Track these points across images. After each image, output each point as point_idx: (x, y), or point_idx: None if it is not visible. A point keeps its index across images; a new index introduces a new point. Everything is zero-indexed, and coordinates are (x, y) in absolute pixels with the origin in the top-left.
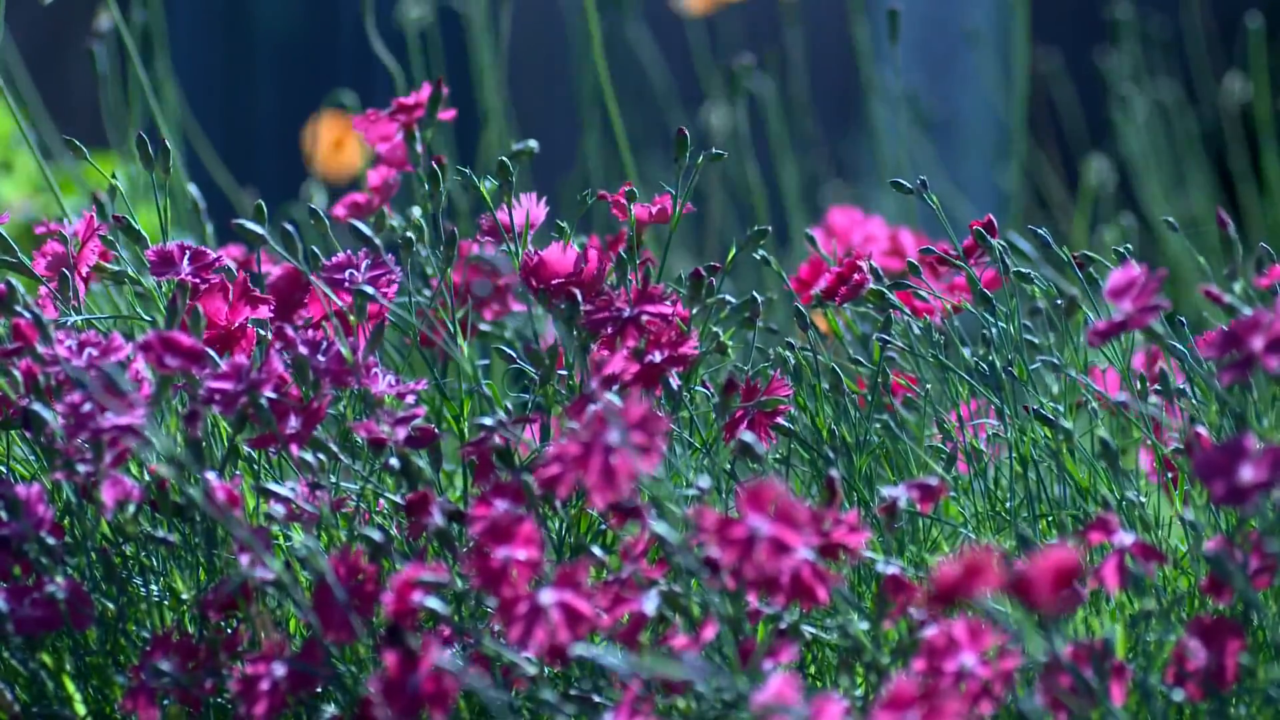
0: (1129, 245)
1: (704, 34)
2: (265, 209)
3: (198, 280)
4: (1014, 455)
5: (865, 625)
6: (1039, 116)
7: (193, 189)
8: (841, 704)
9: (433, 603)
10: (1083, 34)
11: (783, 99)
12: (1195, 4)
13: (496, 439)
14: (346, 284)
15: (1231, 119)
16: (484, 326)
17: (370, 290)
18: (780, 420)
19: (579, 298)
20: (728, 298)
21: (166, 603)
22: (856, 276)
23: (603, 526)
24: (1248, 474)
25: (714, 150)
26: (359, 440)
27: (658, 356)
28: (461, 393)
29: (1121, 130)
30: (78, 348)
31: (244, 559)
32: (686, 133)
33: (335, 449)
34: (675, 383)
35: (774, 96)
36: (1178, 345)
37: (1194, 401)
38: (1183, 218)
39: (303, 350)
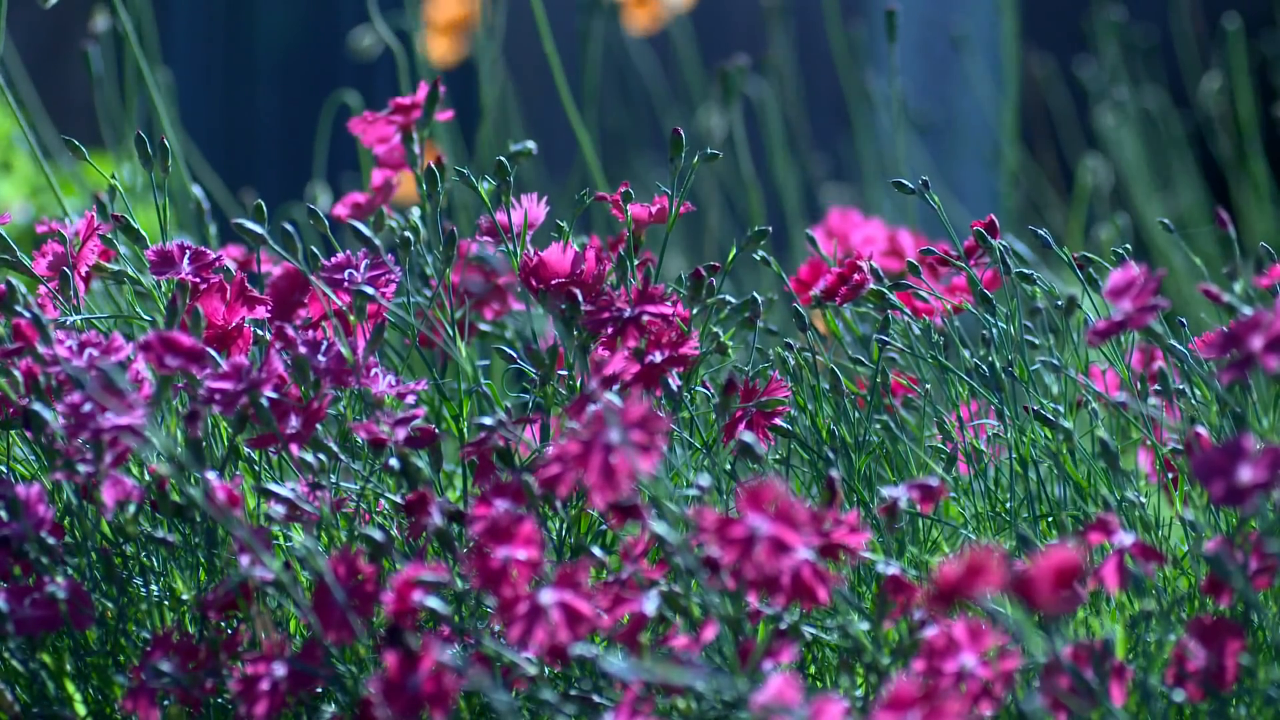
0: (1127, 245)
1: (703, 36)
2: (265, 209)
3: (197, 280)
4: (1014, 456)
5: (865, 626)
6: (1035, 120)
7: (197, 189)
8: (842, 704)
9: (433, 603)
10: (1079, 37)
11: (780, 101)
12: (1184, 6)
13: (496, 439)
14: (346, 284)
15: (1220, 120)
16: (484, 326)
17: (369, 290)
18: (780, 421)
19: (579, 298)
20: (728, 298)
21: (166, 603)
22: (856, 277)
23: (603, 526)
24: (1247, 474)
25: (709, 150)
26: (359, 440)
27: (658, 357)
28: (461, 393)
29: (1110, 134)
30: (78, 348)
31: (244, 559)
32: (681, 133)
33: (335, 449)
34: (675, 383)
35: (772, 98)
36: (1177, 345)
37: (1193, 402)
38: (1173, 219)
39: (303, 350)
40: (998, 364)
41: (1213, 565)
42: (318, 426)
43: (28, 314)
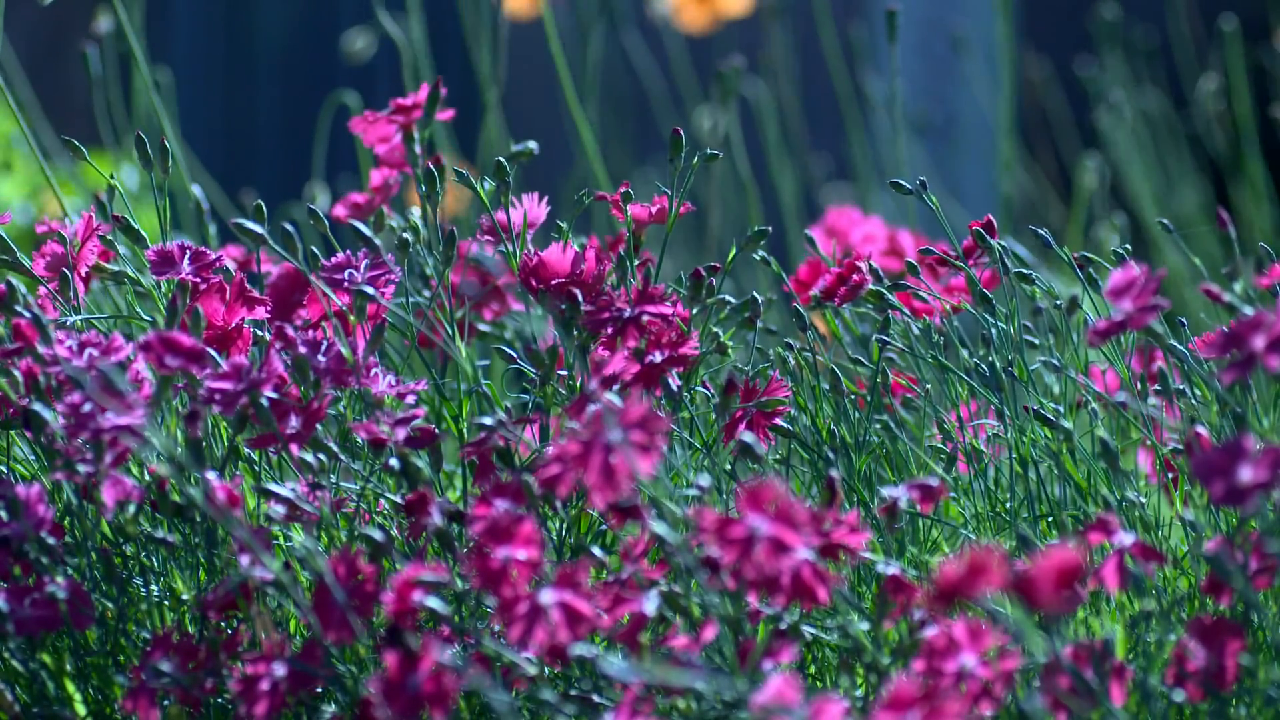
0: (1128, 245)
1: (704, 36)
2: (265, 209)
3: (197, 280)
4: (1014, 456)
5: (865, 626)
6: (1035, 120)
7: (196, 189)
8: (841, 704)
9: (433, 603)
10: (1078, 38)
11: (778, 101)
12: (1182, 7)
13: (497, 439)
14: (345, 284)
15: (1218, 120)
16: (484, 327)
17: (369, 290)
18: (780, 421)
19: (579, 298)
20: (728, 298)
21: (166, 603)
22: (855, 277)
23: (603, 527)
24: (1247, 474)
25: (709, 151)
26: (359, 440)
27: (658, 357)
28: (461, 393)
29: (1109, 135)
30: (78, 348)
31: (244, 559)
32: (681, 133)
33: (335, 449)
34: (675, 383)
35: (771, 99)
36: (1177, 345)
37: (1193, 402)
38: (1173, 219)
39: (303, 350)
40: (998, 364)
41: (1213, 565)
42: (318, 426)
43: (28, 314)
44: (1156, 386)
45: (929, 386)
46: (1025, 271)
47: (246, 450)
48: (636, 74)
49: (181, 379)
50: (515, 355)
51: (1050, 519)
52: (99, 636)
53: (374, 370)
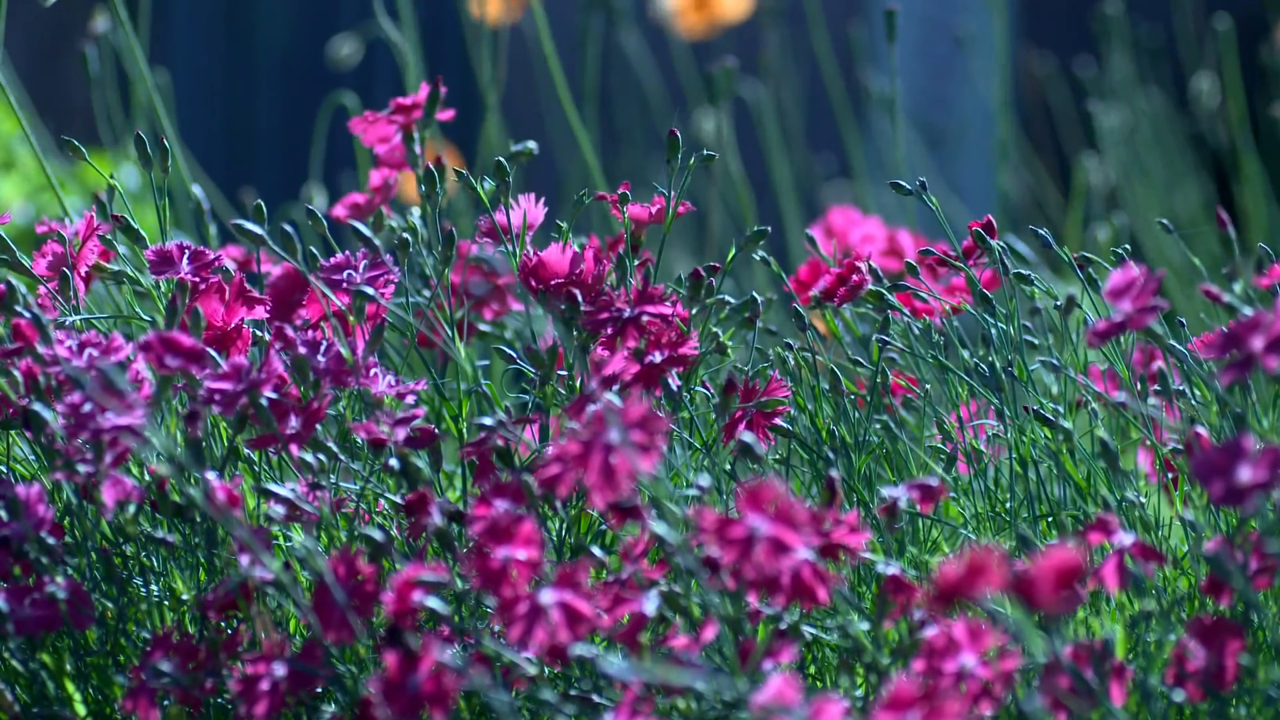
0: (1127, 246)
1: (704, 36)
2: (265, 209)
3: (197, 280)
4: (1014, 456)
5: (865, 626)
6: (1037, 119)
7: (196, 190)
8: (841, 704)
9: (433, 603)
10: (1081, 37)
11: (779, 102)
12: (1186, 5)
13: (496, 439)
14: (345, 284)
15: (1216, 120)
16: (484, 327)
17: (369, 290)
18: (780, 421)
19: (579, 298)
20: (727, 298)
21: (166, 603)
22: (855, 277)
23: (603, 527)
24: (1246, 474)
25: (707, 152)
26: (359, 440)
27: (658, 357)
28: (461, 393)
29: (1107, 136)
30: (78, 348)
31: (244, 559)
32: (678, 135)
33: (335, 449)
34: (675, 383)
35: (768, 99)
36: (1176, 345)
37: (1193, 402)
38: (1173, 219)
39: (302, 350)
40: (997, 364)
41: (1213, 565)
42: (317, 426)
43: (28, 314)
44: (1156, 386)
45: (929, 386)
46: (1024, 272)
47: (246, 450)
48: (638, 75)
49: (181, 379)
50: (515, 355)
51: (1050, 519)
52: (99, 636)
53: (373, 370)
